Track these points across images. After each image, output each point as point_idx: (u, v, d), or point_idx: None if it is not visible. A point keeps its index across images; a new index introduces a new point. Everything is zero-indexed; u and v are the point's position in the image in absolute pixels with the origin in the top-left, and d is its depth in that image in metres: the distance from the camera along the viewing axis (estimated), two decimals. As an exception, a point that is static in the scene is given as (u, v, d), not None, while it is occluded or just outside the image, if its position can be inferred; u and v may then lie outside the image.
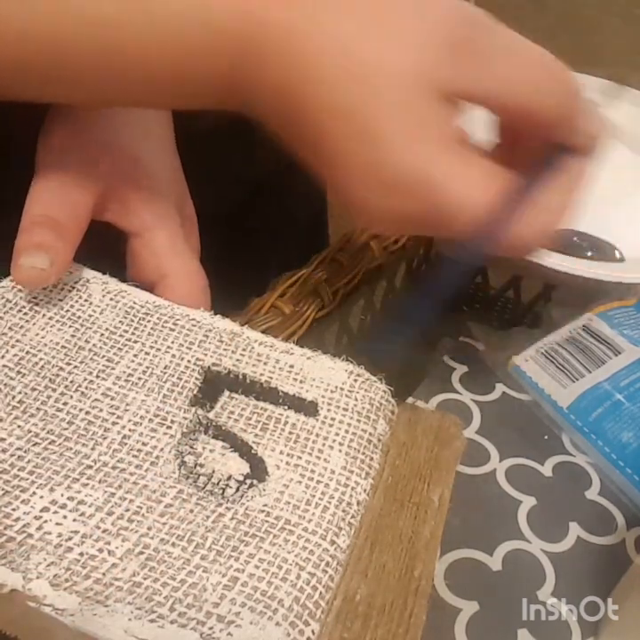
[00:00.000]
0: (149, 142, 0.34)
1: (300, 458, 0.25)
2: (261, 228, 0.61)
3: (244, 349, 0.29)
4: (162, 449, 0.25)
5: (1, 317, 0.28)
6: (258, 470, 0.25)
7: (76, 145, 0.32)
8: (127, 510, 0.23)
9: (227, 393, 0.27)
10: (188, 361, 0.28)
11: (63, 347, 0.28)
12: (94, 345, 0.28)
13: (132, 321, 0.29)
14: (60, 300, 0.29)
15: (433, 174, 0.24)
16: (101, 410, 0.26)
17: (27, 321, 0.28)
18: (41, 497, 0.23)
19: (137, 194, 0.32)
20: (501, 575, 0.32)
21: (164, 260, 0.32)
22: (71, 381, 0.26)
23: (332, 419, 0.27)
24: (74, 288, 0.30)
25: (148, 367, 0.27)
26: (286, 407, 0.27)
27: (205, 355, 0.28)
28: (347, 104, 0.23)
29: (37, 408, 0.25)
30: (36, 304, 0.29)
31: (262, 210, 0.60)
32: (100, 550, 0.22)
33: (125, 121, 0.33)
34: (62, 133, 0.32)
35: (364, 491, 0.25)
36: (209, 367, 0.28)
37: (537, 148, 0.27)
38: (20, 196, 0.30)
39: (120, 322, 0.29)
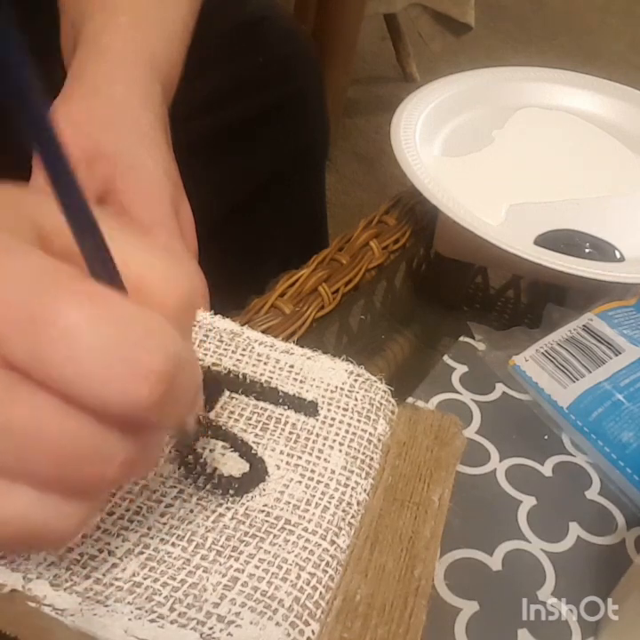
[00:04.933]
0: (144, 146, 0.34)
1: (300, 458, 0.25)
2: (261, 228, 0.61)
3: (244, 349, 0.29)
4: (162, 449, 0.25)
5: None
6: (258, 470, 0.25)
7: (72, 148, 0.32)
8: (127, 510, 0.23)
9: (227, 393, 0.27)
10: (188, 361, 0.28)
11: None
12: None
13: None
14: None
15: None
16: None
17: None
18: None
19: (133, 196, 0.33)
20: (501, 575, 0.32)
21: None
22: None
23: (333, 419, 0.27)
24: None
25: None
26: (286, 407, 0.27)
27: (205, 355, 0.28)
28: None
29: None
30: None
31: (262, 210, 0.60)
32: (100, 550, 0.22)
33: (121, 125, 0.33)
34: None
35: (364, 491, 0.25)
36: (209, 367, 0.28)
37: None
38: None
39: None
